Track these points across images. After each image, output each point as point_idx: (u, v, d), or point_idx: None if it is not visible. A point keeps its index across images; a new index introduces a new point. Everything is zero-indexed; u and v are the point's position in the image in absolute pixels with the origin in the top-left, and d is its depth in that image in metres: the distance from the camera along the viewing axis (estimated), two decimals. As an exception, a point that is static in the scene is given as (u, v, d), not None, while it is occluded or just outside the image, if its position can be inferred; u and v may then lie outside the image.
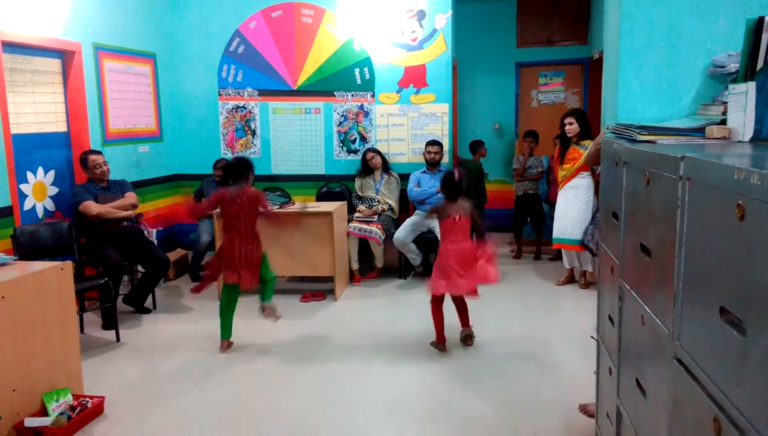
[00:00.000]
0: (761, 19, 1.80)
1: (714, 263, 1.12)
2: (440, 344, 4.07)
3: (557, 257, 5.69)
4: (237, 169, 4.09)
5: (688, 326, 1.27)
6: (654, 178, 1.50)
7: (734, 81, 1.91)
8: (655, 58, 2.25)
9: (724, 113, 1.94)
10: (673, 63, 2.24)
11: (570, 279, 5.53)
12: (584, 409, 3.12)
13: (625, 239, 1.81)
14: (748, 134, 1.74)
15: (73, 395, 3.24)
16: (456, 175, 3.96)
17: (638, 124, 2.03)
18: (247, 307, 5.08)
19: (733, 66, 2.08)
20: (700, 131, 1.91)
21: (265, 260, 4.14)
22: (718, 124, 1.90)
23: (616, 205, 2.00)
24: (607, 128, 2.38)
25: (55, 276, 3.24)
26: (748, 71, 1.82)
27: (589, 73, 7.14)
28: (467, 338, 4.12)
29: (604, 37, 2.54)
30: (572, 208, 5.21)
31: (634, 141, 1.87)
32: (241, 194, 3.96)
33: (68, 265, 3.36)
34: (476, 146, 6.60)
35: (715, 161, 1.15)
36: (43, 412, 3.08)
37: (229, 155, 6.35)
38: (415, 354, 3.98)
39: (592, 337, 3.37)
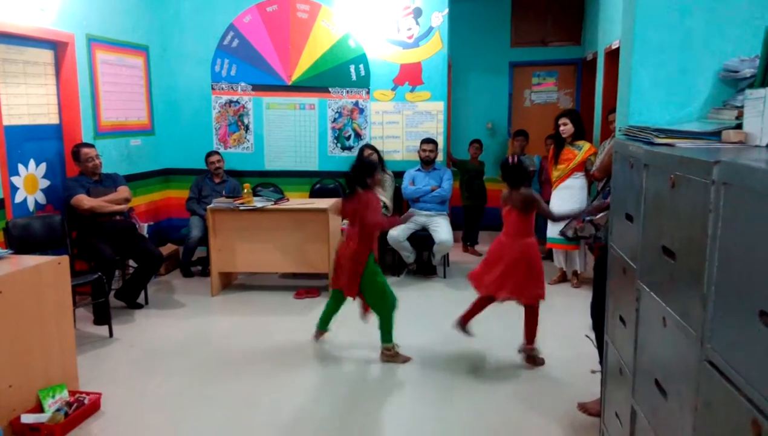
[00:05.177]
0: (778, 26, 1.82)
1: (753, 267, 1.13)
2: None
3: (549, 256, 5.72)
4: (358, 175, 3.82)
5: (721, 329, 1.27)
6: (680, 181, 1.51)
7: (751, 86, 1.93)
8: (668, 61, 2.27)
9: (738, 118, 1.96)
10: (685, 66, 2.26)
11: (562, 278, 5.58)
12: (583, 407, 3.14)
13: (644, 240, 1.82)
14: (765, 139, 1.76)
15: (69, 391, 3.20)
16: (510, 160, 3.74)
17: (653, 126, 2.04)
18: (239, 302, 5.05)
19: (747, 71, 2.10)
20: (715, 135, 1.93)
21: (367, 277, 3.82)
22: (733, 128, 1.92)
23: (629, 207, 2.01)
24: (620, 130, 2.39)
25: (52, 271, 3.19)
26: (766, 77, 1.84)
27: (582, 74, 7.19)
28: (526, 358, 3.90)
29: (621, 39, 2.55)
30: (566, 208, 5.23)
31: (652, 144, 1.88)
32: (360, 198, 3.79)
33: (65, 259, 3.31)
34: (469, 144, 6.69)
35: (756, 166, 1.16)
36: (39, 408, 3.03)
37: (222, 150, 6.29)
38: (410, 352, 3.97)
39: (587, 336, 3.41)
